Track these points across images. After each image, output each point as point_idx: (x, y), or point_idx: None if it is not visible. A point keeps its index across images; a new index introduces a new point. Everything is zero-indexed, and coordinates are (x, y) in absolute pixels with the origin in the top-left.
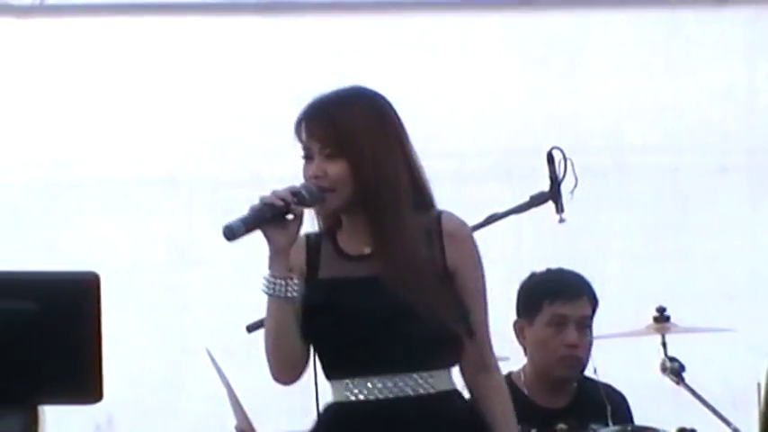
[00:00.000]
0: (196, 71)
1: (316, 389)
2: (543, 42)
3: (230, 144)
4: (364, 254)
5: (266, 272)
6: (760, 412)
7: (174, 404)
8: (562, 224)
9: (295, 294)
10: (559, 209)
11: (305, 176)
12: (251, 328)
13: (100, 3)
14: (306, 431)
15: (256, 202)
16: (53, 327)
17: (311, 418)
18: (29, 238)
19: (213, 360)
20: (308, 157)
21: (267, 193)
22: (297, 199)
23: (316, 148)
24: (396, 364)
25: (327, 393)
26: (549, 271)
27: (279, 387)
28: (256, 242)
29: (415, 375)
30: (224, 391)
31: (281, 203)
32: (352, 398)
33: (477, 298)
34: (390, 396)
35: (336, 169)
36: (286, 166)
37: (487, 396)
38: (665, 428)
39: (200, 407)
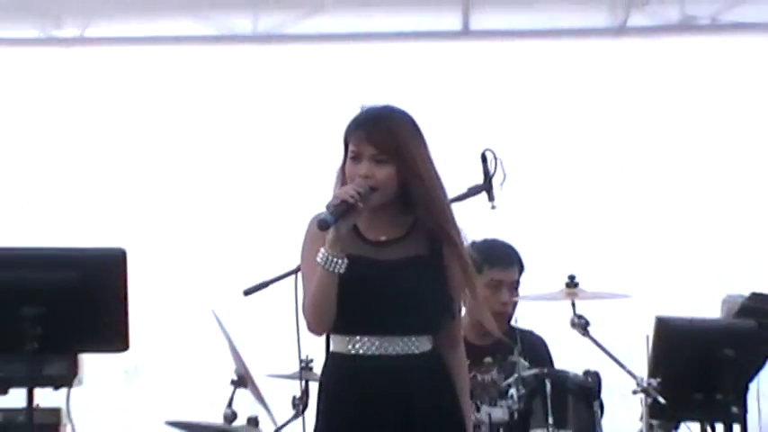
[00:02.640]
0: (226, 96)
1: (298, 340)
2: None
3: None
4: (380, 240)
5: (325, 250)
6: (648, 358)
7: (187, 354)
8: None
9: (343, 271)
10: (491, 198)
11: (352, 174)
12: (247, 293)
13: (137, 35)
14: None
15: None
16: (90, 292)
17: (294, 364)
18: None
19: (217, 318)
20: (355, 158)
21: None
22: (360, 196)
23: (368, 152)
24: (396, 329)
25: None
26: (486, 241)
27: (268, 339)
28: (255, 224)
29: (407, 338)
30: (226, 343)
31: (353, 200)
32: (353, 351)
33: (459, 291)
34: (392, 352)
35: (384, 173)
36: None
37: (454, 365)
38: (574, 371)
39: (207, 357)
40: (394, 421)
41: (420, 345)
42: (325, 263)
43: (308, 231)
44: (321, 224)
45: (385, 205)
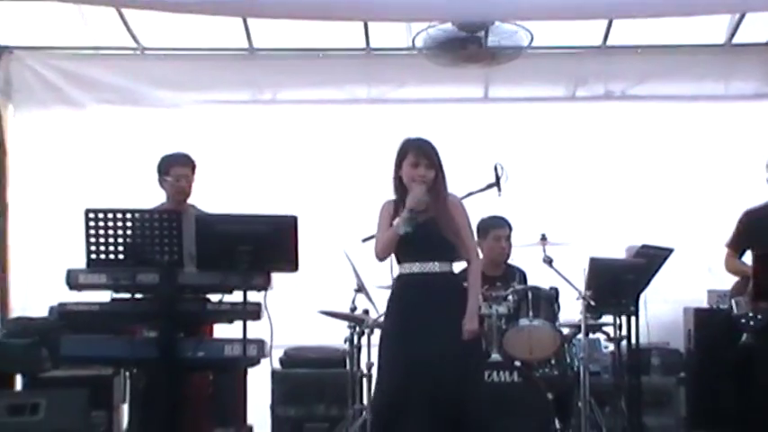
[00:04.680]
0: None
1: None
2: None
3: None
4: (420, 210)
5: (397, 224)
6: (585, 280)
7: (328, 274)
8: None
9: (409, 230)
10: (499, 190)
11: (413, 175)
12: (364, 240)
13: (313, 98)
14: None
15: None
16: (276, 237)
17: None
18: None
19: (348, 257)
20: (415, 165)
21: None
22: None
23: (424, 162)
24: (431, 256)
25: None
26: (491, 215)
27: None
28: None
29: (437, 263)
30: (351, 269)
31: (416, 214)
32: (407, 271)
33: (467, 232)
34: (425, 271)
35: (432, 174)
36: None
37: (470, 274)
38: (544, 287)
39: (339, 277)
40: (421, 306)
41: (444, 267)
42: (399, 226)
43: (381, 211)
44: (406, 234)
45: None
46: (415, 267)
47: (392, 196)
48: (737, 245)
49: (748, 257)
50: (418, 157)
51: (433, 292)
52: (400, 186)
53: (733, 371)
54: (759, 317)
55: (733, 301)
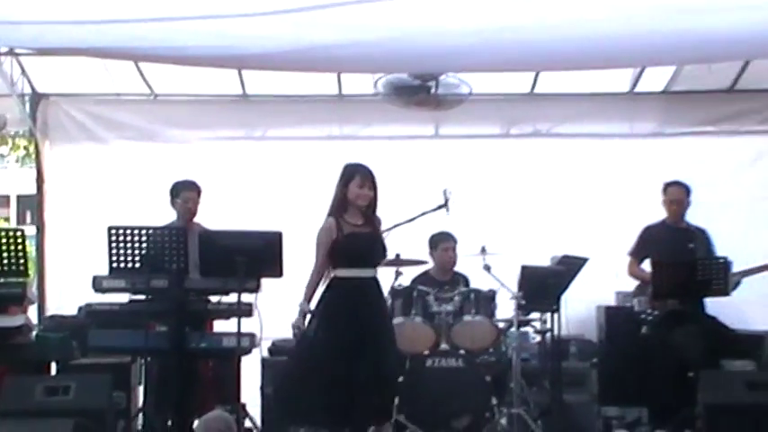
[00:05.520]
0: None
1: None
2: None
3: None
4: (358, 224)
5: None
6: (517, 283)
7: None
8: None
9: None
10: (447, 210)
11: (360, 194)
12: None
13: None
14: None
15: None
16: (266, 250)
17: None
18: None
19: None
20: (362, 186)
21: None
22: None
23: (368, 184)
24: (368, 264)
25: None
26: (439, 231)
27: None
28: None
29: (371, 269)
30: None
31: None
32: (346, 275)
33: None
34: (363, 276)
35: (372, 194)
36: None
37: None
38: (483, 289)
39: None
40: (357, 303)
41: (374, 273)
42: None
43: (319, 235)
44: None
45: (361, 209)
46: (353, 273)
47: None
48: (638, 254)
49: (647, 265)
50: (364, 180)
51: (368, 292)
52: (344, 201)
53: (635, 357)
54: (656, 313)
55: (635, 301)
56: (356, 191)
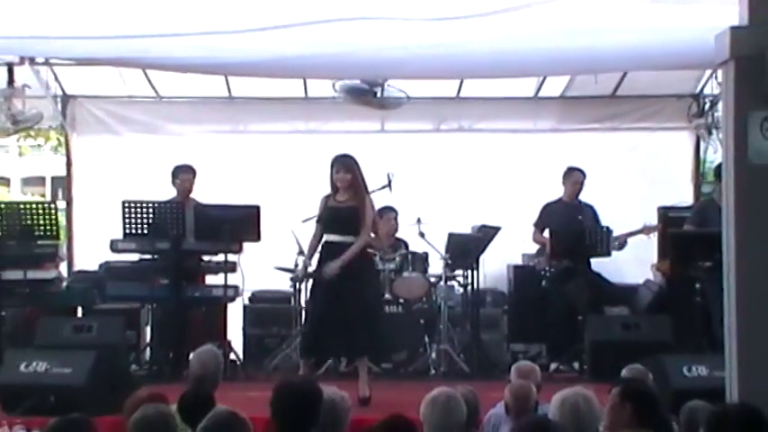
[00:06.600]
0: None
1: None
2: None
3: None
4: (341, 200)
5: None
6: (445, 247)
7: (278, 248)
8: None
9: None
10: (390, 189)
11: (336, 179)
12: (304, 221)
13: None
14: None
15: None
16: (248, 219)
17: None
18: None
19: (293, 233)
20: (338, 171)
21: None
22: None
23: (342, 170)
24: (343, 231)
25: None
26: (384, 206)
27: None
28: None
29: (349, 236)
30: (296, 245)
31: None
32: (329, 239)
33: (368, 220)
34: (339, 241)
35: (348, 177)
36: None
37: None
38: (418, 252)
39: (286, 251)
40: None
41: (352, 239)
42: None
43: (321, 201)
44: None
45: (345, 188)
46: (332, 237)
47: (327, 192)
48: (540, 225)
49: (547, 233)
50: (338, 167)
51: (342, 252)
52: (332, 184)
53: (536, 304)
54: (552, 270)
55: (537, 260)
56: (335, 176)
